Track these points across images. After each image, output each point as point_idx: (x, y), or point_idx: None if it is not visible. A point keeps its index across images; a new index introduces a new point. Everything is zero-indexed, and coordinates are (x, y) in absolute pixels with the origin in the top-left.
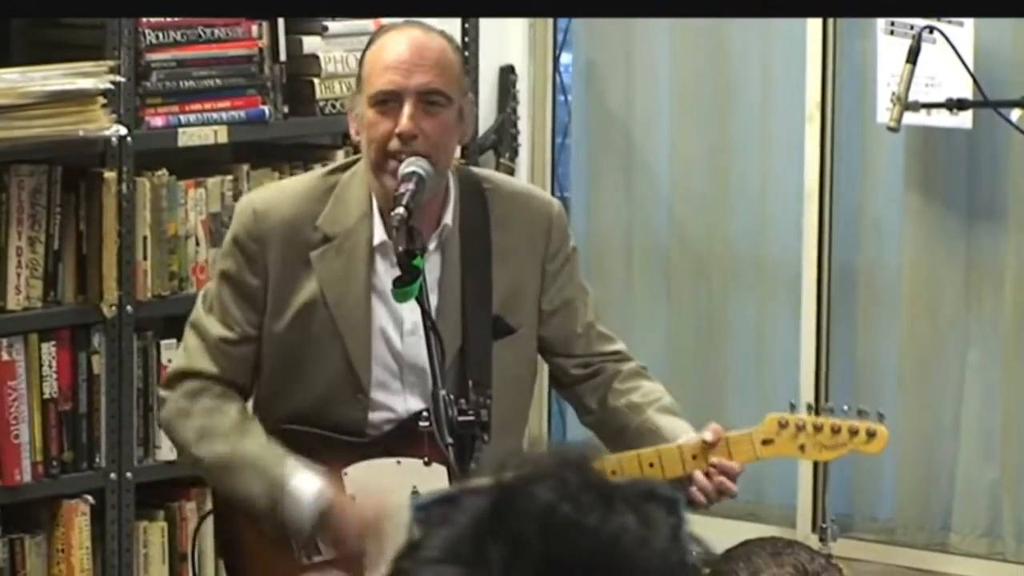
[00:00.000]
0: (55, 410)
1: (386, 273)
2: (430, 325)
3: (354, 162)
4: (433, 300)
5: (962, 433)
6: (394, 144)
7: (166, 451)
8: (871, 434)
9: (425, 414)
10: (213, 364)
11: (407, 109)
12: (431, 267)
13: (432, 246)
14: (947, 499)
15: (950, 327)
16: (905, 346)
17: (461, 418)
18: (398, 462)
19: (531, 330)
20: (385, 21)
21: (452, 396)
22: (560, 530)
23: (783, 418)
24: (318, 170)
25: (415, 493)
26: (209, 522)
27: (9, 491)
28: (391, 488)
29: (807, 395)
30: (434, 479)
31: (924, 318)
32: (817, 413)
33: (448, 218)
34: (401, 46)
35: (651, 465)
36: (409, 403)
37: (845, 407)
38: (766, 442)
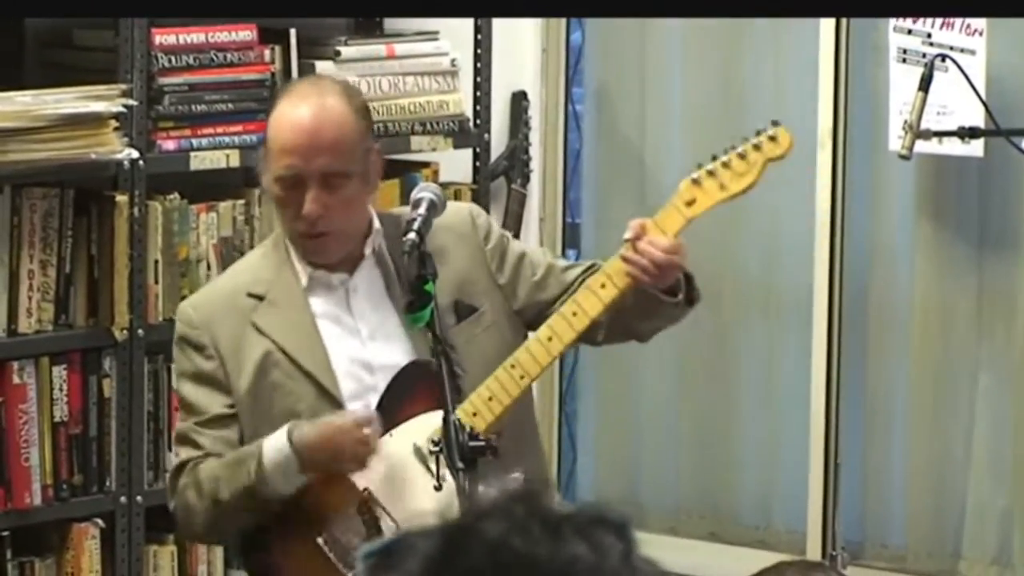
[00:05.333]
0: (65, 433)
1: (325, 300)
2: (441, 350)
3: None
4: (386, 302)
5: (973, 461)
6: (301, 226)
7: None
8: (773, 138)
9: (435, 439)
10: (196, 449)
11: (310, 193)
12: (372, 274)
13: (368, 251)
14: (958, 526)
15: (961, 355)
16: (916, 374)
17: (472, 443)
18: (390, 435)
19: (497, 310)
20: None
21: (461, 420)
22: (511, 565)
23: (694, 175)
24: (237, 265)
25: (436, 444)
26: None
27: (19, 514)
28: (394, 465)
29: (818, 422)
30: (428, 426)
31: (935, 346)
32: (714, 158)
33: (368, 249)
34: (298, 126)
35: (603, 286)
36: None
37: (745, 137)
38: (689, 203)
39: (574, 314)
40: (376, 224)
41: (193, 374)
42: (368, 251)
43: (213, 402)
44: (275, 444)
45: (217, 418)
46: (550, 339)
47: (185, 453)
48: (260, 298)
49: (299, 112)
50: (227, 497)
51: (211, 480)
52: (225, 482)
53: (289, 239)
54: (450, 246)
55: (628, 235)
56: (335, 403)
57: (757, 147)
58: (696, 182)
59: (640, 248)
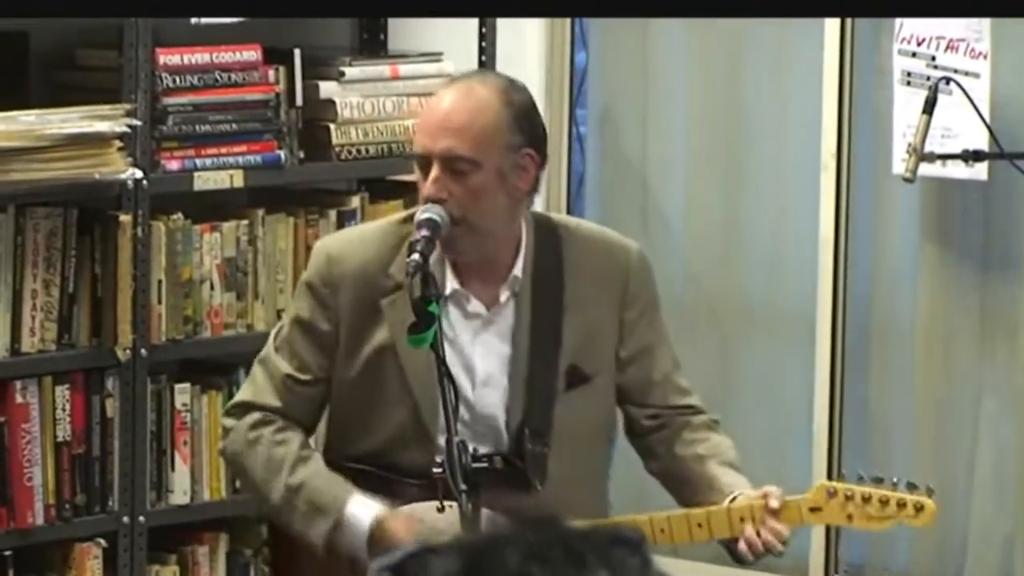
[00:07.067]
0: (68, 453)
1: (459, 320)
2: (444, 372)
3: None
4: (506, 350)
5: (976, 484)
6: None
7: (179, 495)
8: (919, 508)
9: (439, 460)
10: (278, 399)
11: (432, 173)
12: (504, 317)
13: (503, 297)
14: (961, 550)
15: (965, 378)
16: (919, 396)
17: (475, 464)
18: (439, 508)
19: (608, 379)
20: None
21: (464, 442)
22: None
23: (832, 487)
24: (394, 216)
25: (439, 465)
26: None
27: (22, 534)
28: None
29: (820, 443)
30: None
31: (939, 369)
32: (861, 479)
33: (518, 270)
34: (434, 107)
35: (699, 525)
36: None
37: (895, 479)
38: (814, 510)
39: (662, 531)
40: (522, 247)
41: (308, 325)
42: (518, 271)
43: (316, 364)
44: (360, 519)
45: (314, 381)
46: None
47: (264, 393)
48: (399, 287)
49: (442, 94)
50: (289, 524)
51: (278, 485)
52: (289, 510)
53: None
54: (590, 300)
55: (773, 504)
56: (426, 436)
57: (901, 505)
58: (831, 495)
59: (764, 535)
